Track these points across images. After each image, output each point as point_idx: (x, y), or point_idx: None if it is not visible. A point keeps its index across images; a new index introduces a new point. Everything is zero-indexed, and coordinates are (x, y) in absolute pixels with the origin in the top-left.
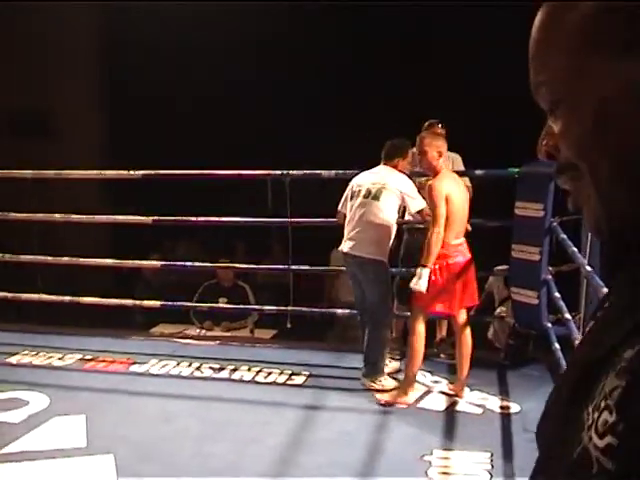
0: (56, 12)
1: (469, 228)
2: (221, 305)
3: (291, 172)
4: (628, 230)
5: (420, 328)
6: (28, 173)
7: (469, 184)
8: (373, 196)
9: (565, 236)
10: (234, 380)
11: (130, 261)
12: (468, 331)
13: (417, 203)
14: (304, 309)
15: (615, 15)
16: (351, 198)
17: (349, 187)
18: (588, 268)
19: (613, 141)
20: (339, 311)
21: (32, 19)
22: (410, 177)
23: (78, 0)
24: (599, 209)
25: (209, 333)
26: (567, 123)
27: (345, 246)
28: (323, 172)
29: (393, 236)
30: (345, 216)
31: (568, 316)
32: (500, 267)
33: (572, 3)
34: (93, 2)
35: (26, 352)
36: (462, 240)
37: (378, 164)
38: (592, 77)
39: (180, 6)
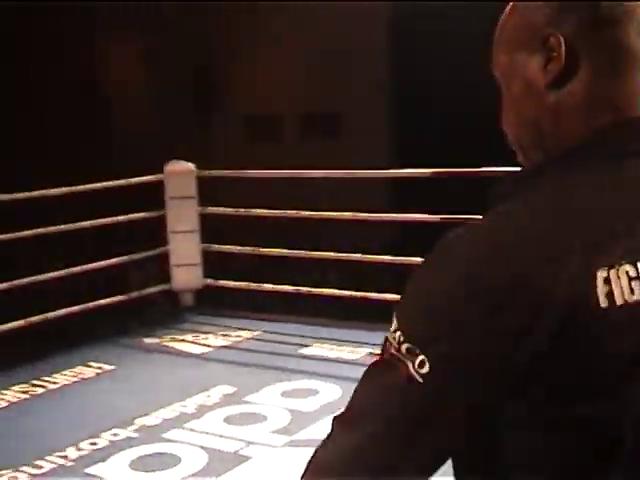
0: (344, 12)
1: None
2: None
3: None
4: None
5: None
6: (319, 173)
7: None
8: None
9: None
10: None
11: (414, 258)
12: None
13: None
14: None
15: (528, 25)
16: None
17: None
18: None
19: (522, 119)
20: None
21: (320, 21)
22: None
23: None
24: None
25: None
26: (504, 105)
27: None
28: None
29: None
30: None
31: None
32: None
33: (513, 8)
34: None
35: (318, 344)
36: None
37: None
38: (514, 71)
39: (465, 5)
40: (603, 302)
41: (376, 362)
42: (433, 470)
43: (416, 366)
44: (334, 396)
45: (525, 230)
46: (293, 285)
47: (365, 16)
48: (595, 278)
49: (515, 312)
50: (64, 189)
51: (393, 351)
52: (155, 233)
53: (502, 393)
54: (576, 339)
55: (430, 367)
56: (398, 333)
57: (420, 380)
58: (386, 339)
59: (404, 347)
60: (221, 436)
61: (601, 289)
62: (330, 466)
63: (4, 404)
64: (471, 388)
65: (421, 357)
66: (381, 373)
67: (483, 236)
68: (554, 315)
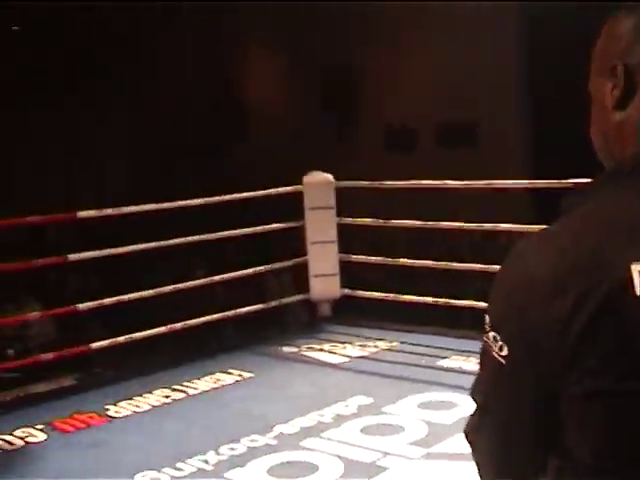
0: (477, 20)
1: None
2: None
3: None
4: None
5: None
6: (456, 184)
7: None
8: None
9: None
10: None
11: None
12: None
13: None
14: None
15: (605, 54)
16: None
17: None
18: None
19: (599, 133)
20: None
21: (455, 31)
22: None
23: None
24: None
25: None
26: (591, 119)
27: None
28: None
29: None
30: None
31: None
32: None
33: (600, 38)
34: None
35: (456, 356)
36: None
37: None
38: (596, 90)
39: (598, 6)
40: (639, 291)
41: (483, 345)
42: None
43: (498, 350)
44: (472, 409)
45: (577, 236)
46: (431, 296)
47: (498, 23)
48: (631, 270)
49: (564, 301)
50: (204, 199)
51: (485, 338)
52: (291, 243)
53: (557, 373)
54: (614, 321)
55: (508, 351)
56: (488, 324)
57: (503, 362)
58: (483, 326)
59: (491, 334)
60: (358, 446)
61: (637, 280)
62: (471, 423)
63: (147, 407)
64: (539, 368)
65: (500, 342)
66: (483, 354)
67: (546, 241)
68: (596, 302)
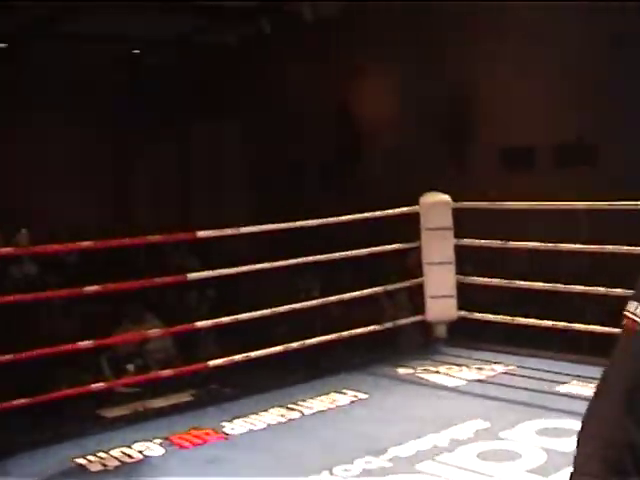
0: (593, 39)
1: None
2: None
3: None
4: None
5: None
6: (575, 205)
7: None
8: None
9: None
10: None
11: None
12: None
13: None
14: None
15: None
16: None
17: None
18: None
19: None
20: None
21: (569, 50)
22: None
23: None
24: None
25: None
26: None
27: None
28: None
29: None
30: None
31: None
32: None
33: None
34: None
35: (576, 381)
36: None
37: None
38: None
39: None
40: None
41: (626, 331)
42: None
43: None
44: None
45: None
46: (550, 319)
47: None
48: None
49: None
50: (321, 220)
51: (631, 321)
52: (405, 264)
53: None
54: None
55: None
56: (635, 306)
57: None
58: (624, 317)
59: None
60: (473, 471)
61: None
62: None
63: (262, 425)
64: None
65: None
66: (627, 340)
67: None
68: None
